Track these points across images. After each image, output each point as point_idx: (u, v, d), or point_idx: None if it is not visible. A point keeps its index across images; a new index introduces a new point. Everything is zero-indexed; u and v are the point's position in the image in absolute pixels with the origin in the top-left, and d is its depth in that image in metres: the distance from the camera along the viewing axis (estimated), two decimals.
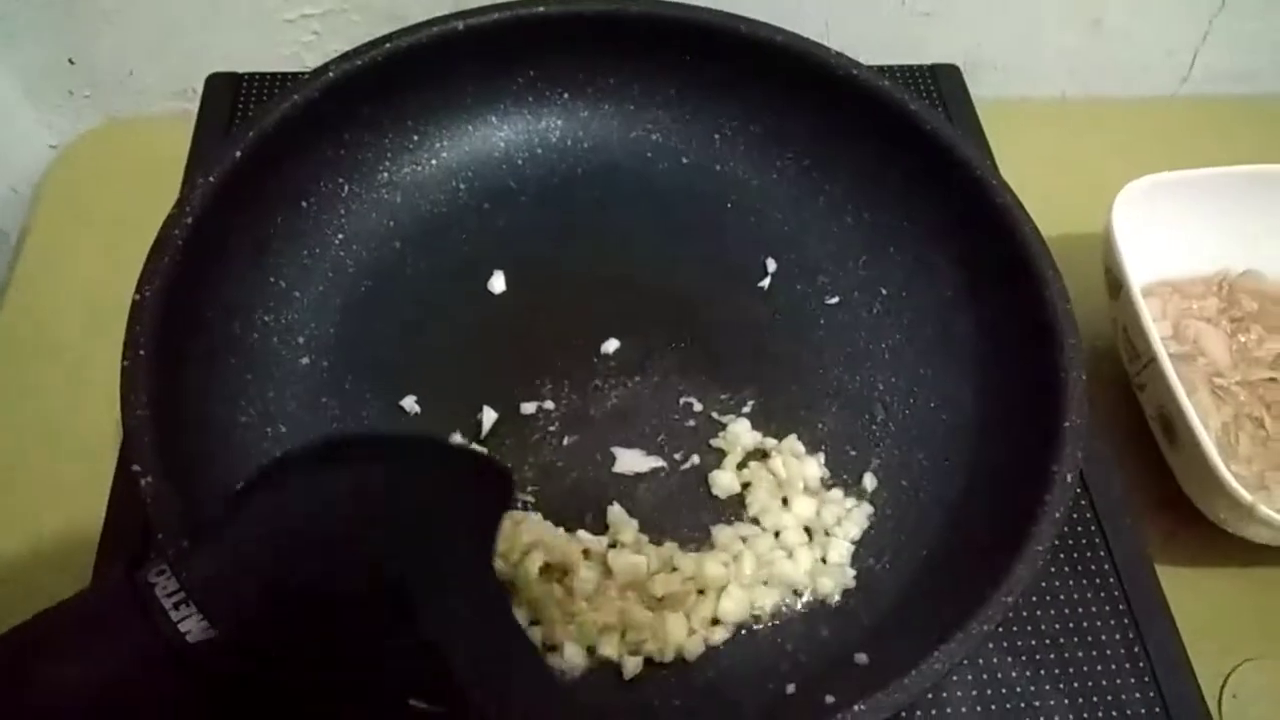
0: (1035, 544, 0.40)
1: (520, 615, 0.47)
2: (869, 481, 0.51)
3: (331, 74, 0.53)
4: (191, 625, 0.39)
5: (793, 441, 0.52)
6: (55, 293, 0.63)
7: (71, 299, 0.63)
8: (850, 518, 0.50)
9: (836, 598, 0.48)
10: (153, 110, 0.73)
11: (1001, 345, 0.51)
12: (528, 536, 0.47)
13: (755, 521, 0.50)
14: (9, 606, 0.47)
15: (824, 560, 0.49)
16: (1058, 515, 0.41)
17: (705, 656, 0.47)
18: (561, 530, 0.49)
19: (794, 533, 0.50)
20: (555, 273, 0.57)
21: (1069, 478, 0.42)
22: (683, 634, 0.46)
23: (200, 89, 0.69)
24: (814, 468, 0.51)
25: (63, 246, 0.66)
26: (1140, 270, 0.58)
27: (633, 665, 0.46)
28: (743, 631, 0.48)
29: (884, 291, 0.57)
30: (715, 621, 0.47)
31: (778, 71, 0.57)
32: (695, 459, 0.52)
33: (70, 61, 0.70)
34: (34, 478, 0.55)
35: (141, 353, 0.43)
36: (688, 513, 0.51)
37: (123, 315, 0.46)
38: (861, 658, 0.44)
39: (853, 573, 0.48)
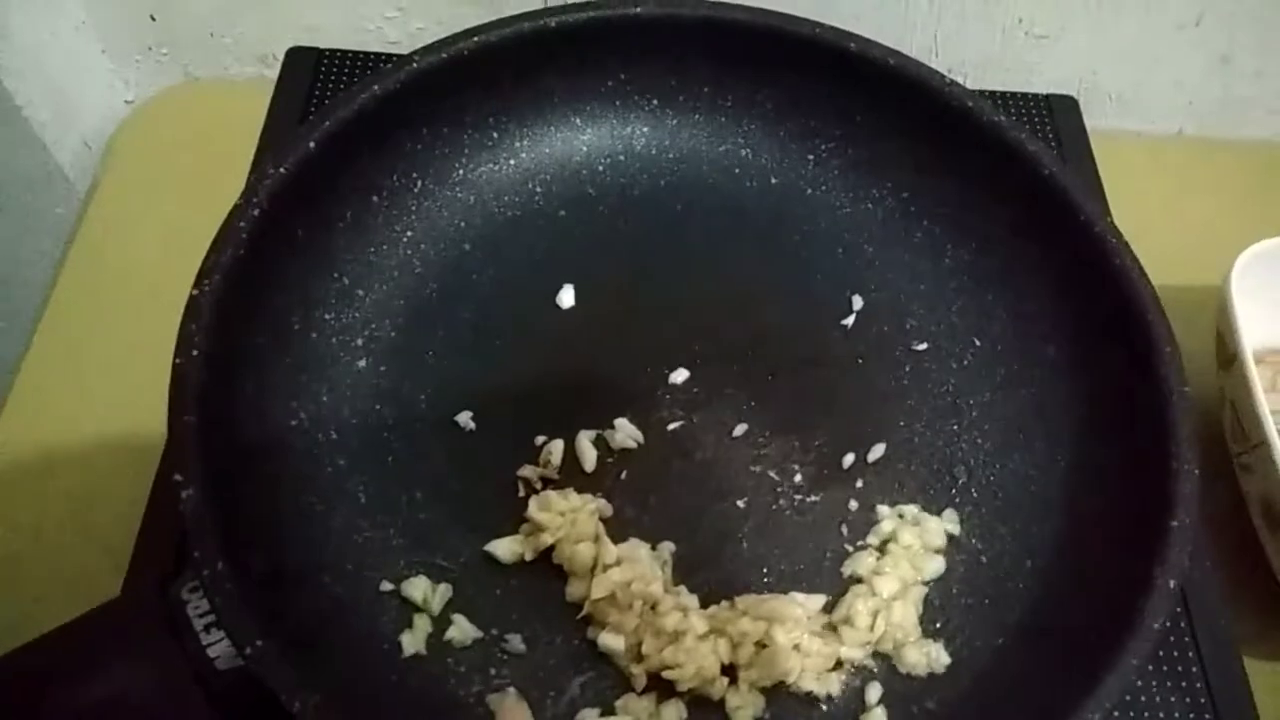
0: (1130, 657, 0.37)
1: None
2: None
3: (415, 65, 0.50)
4: (221, 650, 0.37)
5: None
6: (120, 248, 0.62)
7: (135, 257, 0.61)
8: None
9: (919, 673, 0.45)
10: (231, 73, 0.72)
11: (1104, 421, 0.47)
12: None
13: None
14: (42, 594, 0.46)
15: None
16: (1156, 627, 0.37)
17: None
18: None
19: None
20: (627, 291, 0.54)
21: (1171, 584, 0.38)
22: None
23: (281, 56, 0.67)
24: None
25: (131, 203, 0.64)
26: (1251, 337, 0.53)
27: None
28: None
29: (978, 343, 0.53)
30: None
31: (885, 96, 0.54)
32: (749, 501, 0.49)
33: (152, 18, 0.69)
34: (84, 449, 0.54)
35: (195, 352, 0.41)
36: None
37: (185, 278, 0.43)
38: None
39: (947, 660, 0.44)
